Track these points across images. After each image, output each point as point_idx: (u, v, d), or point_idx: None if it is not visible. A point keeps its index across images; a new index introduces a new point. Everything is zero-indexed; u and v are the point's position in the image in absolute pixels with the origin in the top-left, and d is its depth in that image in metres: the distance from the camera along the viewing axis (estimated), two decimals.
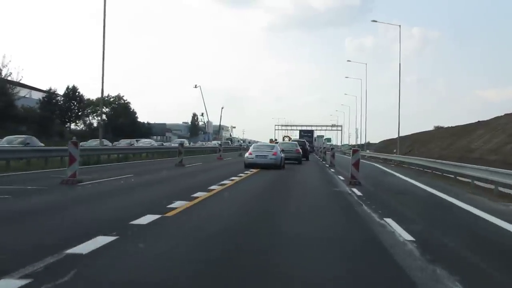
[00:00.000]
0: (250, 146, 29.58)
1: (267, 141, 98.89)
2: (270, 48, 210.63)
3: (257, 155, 22.91)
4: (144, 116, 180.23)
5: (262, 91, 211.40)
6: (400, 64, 41.23)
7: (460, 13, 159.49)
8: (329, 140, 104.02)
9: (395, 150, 45.84)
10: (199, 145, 66.90)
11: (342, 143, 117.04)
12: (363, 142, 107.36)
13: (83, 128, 71.34)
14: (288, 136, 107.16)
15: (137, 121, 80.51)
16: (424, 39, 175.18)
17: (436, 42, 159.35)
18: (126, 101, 79.54)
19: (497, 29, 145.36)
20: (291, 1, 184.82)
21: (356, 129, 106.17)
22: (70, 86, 66.16)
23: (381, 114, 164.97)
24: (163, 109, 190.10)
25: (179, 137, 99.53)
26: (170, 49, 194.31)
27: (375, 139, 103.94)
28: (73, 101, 66.81)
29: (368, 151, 62.89)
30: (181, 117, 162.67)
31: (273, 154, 23.03)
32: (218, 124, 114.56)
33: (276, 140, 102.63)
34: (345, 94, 79.20)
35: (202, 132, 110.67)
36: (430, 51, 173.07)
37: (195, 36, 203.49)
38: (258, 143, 33.05)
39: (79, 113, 69.62)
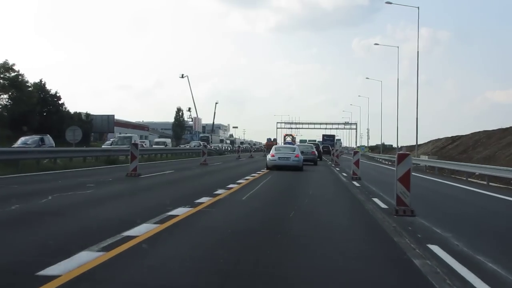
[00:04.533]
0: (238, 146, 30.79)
1: (264, 141, 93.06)
2: (278, 49, 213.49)
3: (279, 157, 23.46)
4: (141, 114, 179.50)
5: (268, 92, 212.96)
6: None
7: (469, 13, 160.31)
8: (338, 141, 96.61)
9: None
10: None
11: (358, 144, 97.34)
12: (377, 143, 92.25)
13: None
14: (291, 135, 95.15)
15: (61, 110, 57.78)
16: (433, 39, 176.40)
17: (445, 42, 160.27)
18: (18, 73, 51.40)
19: (506, 29, 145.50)
20: (299, 1, 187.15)
21: (368, 130, 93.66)
22: None
23: (390, 115, 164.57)
24: (170, 109, 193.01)
25: (159, 136, 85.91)
26: (177, 50, 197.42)
27: (389, 140, 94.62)
28: None
29: (426, 157, 40.66)
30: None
31: (295, 156, 23.72)
32: (213, 122, 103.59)
33: (275, 139, 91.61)
34: (367, 78, 64.31)
35: (190, 131, 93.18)
36: (440, 51, 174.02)
37: (202, 37, 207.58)
38: (278, 145, 34.99)
39: None
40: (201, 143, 52.60)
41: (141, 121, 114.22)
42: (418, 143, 63.45)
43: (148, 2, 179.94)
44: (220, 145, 76.28)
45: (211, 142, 75.46)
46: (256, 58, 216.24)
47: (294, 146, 29.96)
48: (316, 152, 33.31)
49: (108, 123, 68.65)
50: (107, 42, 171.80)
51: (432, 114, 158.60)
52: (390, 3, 40.41)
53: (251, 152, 54.39)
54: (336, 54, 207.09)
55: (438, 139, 57.35)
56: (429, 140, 61.37)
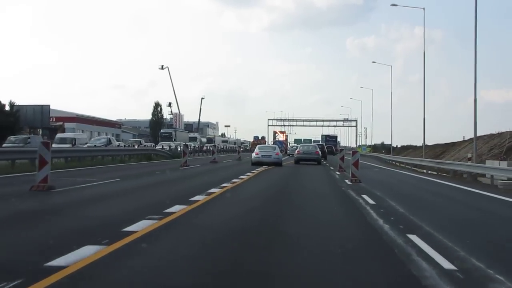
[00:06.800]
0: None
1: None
2: (272, 48, 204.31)
3: (262, 155, 28.16)
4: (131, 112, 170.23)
5: (263, 91, 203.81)
6: None
7: (463, 13, 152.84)
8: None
9: None
10: None
11: (359, 144, 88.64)
12: (375, 142, 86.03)
13: None
14: (283, 132, 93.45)
15: None
16: (427, 39, 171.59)
17: (439, 41, 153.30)
18: None
19: (501, 29, 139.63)
20: (292, 0, 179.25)
21: (365, 129, 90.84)
22: None
23: (386, 114, 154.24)
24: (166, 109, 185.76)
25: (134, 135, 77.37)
26: (170, 49, 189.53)
27: (387, 139, 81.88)
28: None
29: (503, 163, 23.50)
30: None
31: (276, 154, 28.61)
32: (199, 120, 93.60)
33: (263, 137, 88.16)
34: (373, 62, 55.57)
35: (174, 129, 79.63)
36: (434, 50, 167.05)
37: (196, 37, 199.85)
38: (262, 145, 37.40)
39: None
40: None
41: (124, 118, 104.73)
42: (388, 143, 61.98)
43: (141, 2, 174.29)
44: (183, 143, 52.12)
45: (175, 140, 60.87)
46: (250, 58, 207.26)
47: (275, 145, 36.02)
48: (320, 152, 35.26)
49: (42, 115, 49.63)
50: (100, 42, 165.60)
51: (429, 114, 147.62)
52: (396, 5, 41.23)
53: (214, 155, 35.83)
54: (330, 53, 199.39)
55: (491, 134, 39.90)
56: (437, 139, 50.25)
